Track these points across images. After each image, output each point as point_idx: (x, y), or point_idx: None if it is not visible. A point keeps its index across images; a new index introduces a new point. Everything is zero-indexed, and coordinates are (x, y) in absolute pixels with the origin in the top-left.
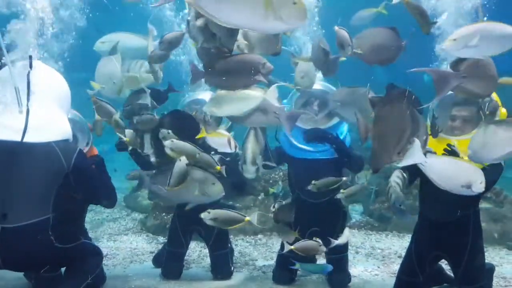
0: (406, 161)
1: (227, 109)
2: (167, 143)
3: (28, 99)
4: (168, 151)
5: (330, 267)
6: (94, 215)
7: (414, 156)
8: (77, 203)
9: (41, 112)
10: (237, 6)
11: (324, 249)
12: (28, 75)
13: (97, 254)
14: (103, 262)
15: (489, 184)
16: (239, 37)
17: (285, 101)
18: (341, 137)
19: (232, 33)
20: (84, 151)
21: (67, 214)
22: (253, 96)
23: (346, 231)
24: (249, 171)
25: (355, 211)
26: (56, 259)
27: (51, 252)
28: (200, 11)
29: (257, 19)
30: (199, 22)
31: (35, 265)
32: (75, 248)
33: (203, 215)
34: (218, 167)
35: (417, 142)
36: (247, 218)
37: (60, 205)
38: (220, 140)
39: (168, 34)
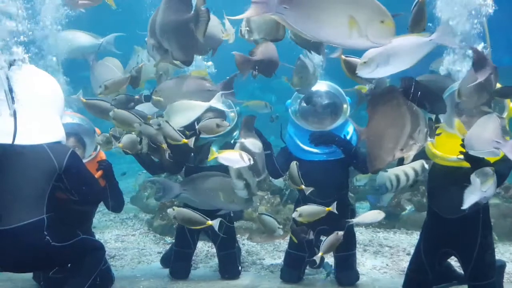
0: (470, 200)
1: (176, 120)
2: (110, 113)
3: (13, 102)
4: (111, 120)
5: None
6: (101, 216)
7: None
8: (77, 205)
9: (32, 115)
10: (323, 24)
11: (342, 232)
12: (12, 78)
13: (99, 248)
14: (112, 263)
15: (500, 179)
16: (242, 23)
17: (289, 101)
18: (348, 138)
19: (182, 47)
20: (92, 155)
21: (66, 214)
22: (198, 105)
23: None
24: (237, 186)
25: (363, 209)
26: (55, 258)
27: (48, 252)
28: (289, 28)
29: (342, 36)
30: (152, 41)
31: (34, 265)
32: (74, 245)
33: (168, 210)
34: (164, 145)
35: (477, 181)
36: (209, 222)
37: (55, 206)
38: (232, 156)
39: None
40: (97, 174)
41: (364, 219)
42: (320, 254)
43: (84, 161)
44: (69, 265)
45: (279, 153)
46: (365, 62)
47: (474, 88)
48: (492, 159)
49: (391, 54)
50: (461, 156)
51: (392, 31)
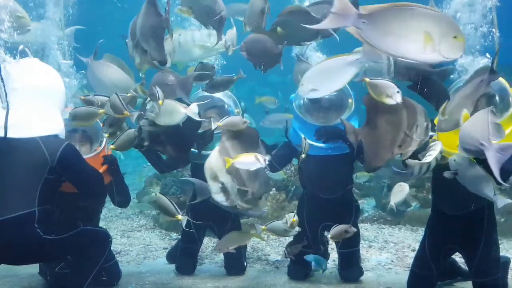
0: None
1: (162, 120)
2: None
3: (6, 95)
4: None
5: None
6: (107, 212)
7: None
8: (80, 199)
9: (29, 107)
10: (399, 40)
11: (354, 229)
12: (8, 71)
13: (102, 239)
14: (117, 259)
15: (505, 175)
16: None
17: (293, 95)
18: None
19: (157, 48)
20: (97, 150)
21: (71, 210)
22: (180, 110)
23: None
24: (212, 189)
25: (368, 205)
26: (48, 250)
27: (39, 244)
28: (364, 41)
29: (415, 51)
30: (131, 42)
31: (25, 258)
32: (72, 238)
33: (152, 194)
34: (127, 113)
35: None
36: (179, 216)
37: (50, 199)
38: (248, 159)
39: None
40: (102, 169)
41: (397, 197)
42: (329, 236)
43: (89, 155)
44: (69, 257)
45: (281, 146)
46: (302, 85)
47: (459, 107)
48: None
49: (321, 76)
50: None
51: (463, 46)
